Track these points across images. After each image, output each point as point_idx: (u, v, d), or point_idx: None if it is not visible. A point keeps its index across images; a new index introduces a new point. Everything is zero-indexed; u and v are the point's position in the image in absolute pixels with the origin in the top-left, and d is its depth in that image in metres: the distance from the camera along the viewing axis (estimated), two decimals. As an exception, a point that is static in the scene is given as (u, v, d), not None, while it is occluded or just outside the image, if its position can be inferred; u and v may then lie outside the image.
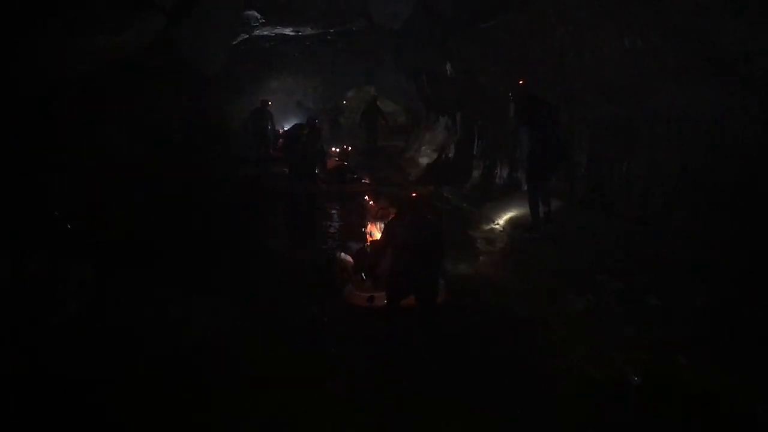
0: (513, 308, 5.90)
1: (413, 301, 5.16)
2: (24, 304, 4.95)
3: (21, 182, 5.62)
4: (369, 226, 6.75)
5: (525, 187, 8.41)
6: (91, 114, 6.95)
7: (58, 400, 4.10)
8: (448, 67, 11.71)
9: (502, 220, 8.59)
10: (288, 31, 12.42)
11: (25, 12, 4.84)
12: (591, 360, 4.77)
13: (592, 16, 6.90)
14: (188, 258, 6.59)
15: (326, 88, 19.88)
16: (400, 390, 4.51)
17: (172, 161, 8.14)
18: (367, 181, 11.63)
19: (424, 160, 14.13)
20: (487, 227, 8.62)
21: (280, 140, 13.47)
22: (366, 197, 7.15)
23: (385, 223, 5.49)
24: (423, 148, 14.81)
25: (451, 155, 12.80)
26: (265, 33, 12.32)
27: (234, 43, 11.26)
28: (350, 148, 14.60)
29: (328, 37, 13.19)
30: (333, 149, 14.05)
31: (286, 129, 13.55)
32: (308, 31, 12.45)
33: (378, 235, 6.00)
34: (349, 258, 6.45)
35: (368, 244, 6.35)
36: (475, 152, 11.51)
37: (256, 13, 10.50)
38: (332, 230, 9.08)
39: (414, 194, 5.42)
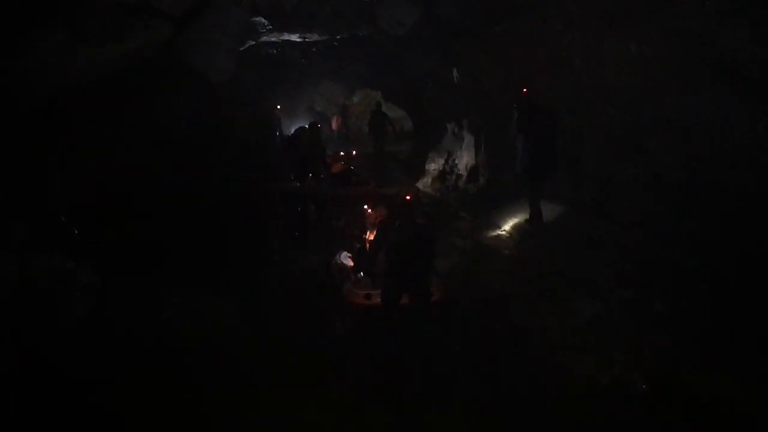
0: (518, 313, 5.90)
1: (408, 300, 5.39)
2: (29, 307, 4.98)
3: (27, 184, 5.66)
4: (368, 228, 6.89)
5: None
6: (98, 117, 6.99)
7: (59, 399, 4.13)
8: (455, 72, 11.72)
9: (508, 226, 8.58)
10: (294, 38, 12.47)
11: (34, 21, 4.91)
12: (596, 365, 4.77)
13: (598, 22, 6.92)
14: (193, 259, 6.68)
15: (332, 93, 19.99)
16: (400, 391, 4.55)
17: (177, 164, 8.22)
18: (372, 185, 11.69)
19: (430, 166, 14.14)
20: (493, 233, 8.62)
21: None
22: (366, 202, 7.26)
23: (377, 226, 5.78)
24: (429, 154, 14.82)
25: (457, 161, 12.80)
26: (272, 39, 12.37)
27: (241, 49, 11.32)
28: (355, 152, 14.75)
29: (335, 43, 13.23)
30: (339, 153, 14.17)
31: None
32: (314, 37, 12.49)
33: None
34: (348, 258, 6.72)
35: (366, 244, 6.54)
36: (481, 158, 11.51)
37: (263, 20, 10.55)
38: (334, 231, 9.25)
39: (405, 197, 5.61)
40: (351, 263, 6.58)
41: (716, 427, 3.98)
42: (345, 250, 6.99)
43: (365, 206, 7.17)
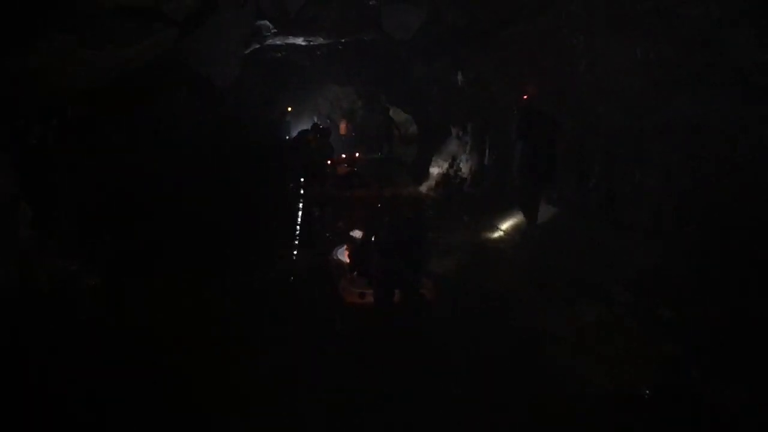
0: (522, 317, 5.88)
1: (400, 296, 5.65)
2: (34, 309, 4.99)
3: (32, 185, 5.68)
4: (364, 229, 7.09)
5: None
6: (103, 120, 7.02)
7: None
8: (460, 77, 11.72)
9: (510, 229, 8.56)
10: (299, 41, 12.48)
11: (38, 24, 4.92)
12: (601, 371, 4.73)
13: (603, 27, 6.90)
14: (195, 259, 6.79)
15: (338, 97, 20.05)
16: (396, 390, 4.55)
17: (182, 166, 8.31)
18: (374, 187, 11.83)
19: (434, 170, 14.15)
20: (494, 235, 8.62)
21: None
22: (368, 204, 7.49)
23: (368, 225, 6.17)
24: (434, 157, 14.82)
25: (462, 165, 12.80)
26: (277, 43, 12.39)
27: (246, 52, 11.35)
28: (358, 154, 15.04)
29: (339, 47, 13.24)
30: (341, 156, 14.37)
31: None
32: (319, 41, 12.50)
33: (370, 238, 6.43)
34: (345, 257, 6.98)
35: (361, 244, 6.76)
36: (486, 162, 11.50)
37: (267, 23, 10.57)
38: (334, 232, 9.51)
39: (395, 197, 5.77)
40: (347, 261, 6.79)
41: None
42: (342, 249, 7.27)
43: (366, 207, 7.33)
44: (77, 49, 5.38)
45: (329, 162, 11.30)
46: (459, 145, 13.48)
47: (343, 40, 12.64)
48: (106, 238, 6.31)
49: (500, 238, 8.48)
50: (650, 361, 4.74)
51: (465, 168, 12.49)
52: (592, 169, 7.87)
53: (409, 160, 16.78)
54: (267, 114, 15.35)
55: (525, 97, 7.91)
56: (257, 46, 11.64)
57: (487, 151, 11.51)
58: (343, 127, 19.59)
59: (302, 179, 10.40)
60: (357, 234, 7.31)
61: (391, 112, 17.21)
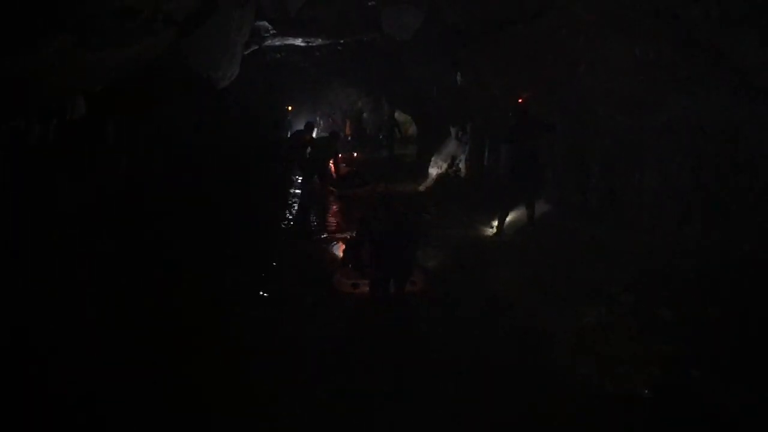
0: (522, 318, 5.88)
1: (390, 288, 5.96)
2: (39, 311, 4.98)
3: (33, 187, 5.68)
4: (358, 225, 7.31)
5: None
6: (103, 121, 7.03)
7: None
8: (459, 78, 11.73)
9: (509, 228, 8.56)
10: (298, 42, 12.50)
11: (39, 25, 4.91)
12: (602, 372, 4.73)
13: (603, 28, 6.91)
14: (195, 256, 6.90)
15: (337, 97, 20.07)
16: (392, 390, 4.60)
17: (184, 165, 8.41)
18: (374, 187, 11.94)
19: (434, 171, 14.17)
20: (493, 233, 8.63)
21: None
22: (366, 201, 7.72)
23: (362, 221, 6.37)
24: (433, 158, 14.83)
25: (461, 165, 12.81)
26: (276, 43, 12.41)
27: (246, 53, 11.36)
28: (357, 154, 15.52)
29: (339, 48, 13.27)
30: (341, 156, 14.60)
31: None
32: (319, 41, 12.53)
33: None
34: (339, 251, 7.35)
35: (354, 239, 7.03)
36: (485, 163, 11.50)
37: (267, 24, 10.59)
38: (331, 229, 9.92)
39: (389, 193, 6.01)
40: (341, 254, 7.17)
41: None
42: (338, 243, 7.73)
43: (363, 205, 7.56)
44: (77, 49, 5.38)
45: (330, 162, 11.53)
46: (458, 145, 13.49)
47: (342, 41, 12.66)
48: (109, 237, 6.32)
49: (497, 236, 8.53)
50: (650, 361, 4.74)
51: (464, 168, 12.50)
52: (593, 169, 7.88)
53: (408, 160, 16.84)
54: (268, 114, 15.44)
55: (519, 100, 8.09)
56: (257, 46, 11.65)
57: (486, 151, 11.52)
58: (347, 127, 19.69)
59: (302, 177, 10.69)
60: (351, 229, 7.64)
61: (397, 115, 17.56)
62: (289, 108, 15.59)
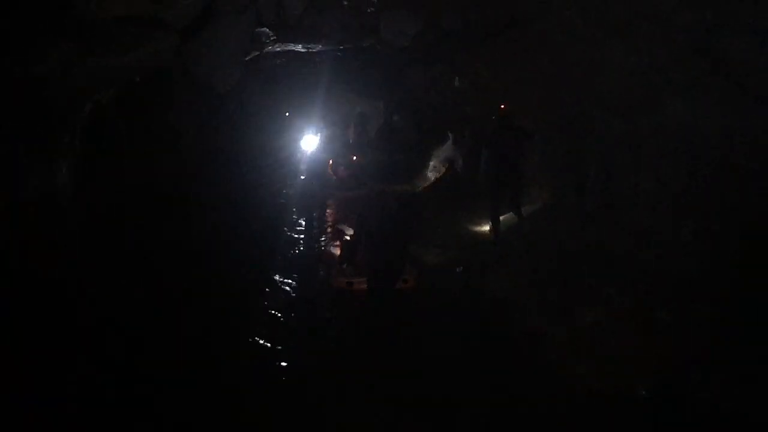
0: (518, 319, 5.92)
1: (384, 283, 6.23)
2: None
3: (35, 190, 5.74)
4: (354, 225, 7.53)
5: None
6: (105, 126, 7.10)
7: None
8: (457, 82, 11.80)
9: (507, 233, 8.61)
10: (299, 48, 12.55)
11: (42, 31, 4.98)
12: (599, 374, 4.77)
13: (599, 32, 6.96)
14: (196, 253, 7.34)
15: (337, 102, 20.10)
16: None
17: (185, 169, 8.57)
18: (374, 190, 12.09)
19: (432, 174, 14.27)
20: (494, 238, 8.68)
21: None
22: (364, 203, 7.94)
23: (357, 218, 6.67)
24: (431, 162, 14.91)
25: (459, 169, 12.87)
26: (277, 49, 12.45)
27: (246, 59, 11.42)
28: (355, 157, 15.90)
29: (338, 54, 13.31)
30: (340, 159, 14.85)
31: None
32: (319, 47, 12.56)
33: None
34: (336, 250, 7.65)
35: (349, 238, 7.37)
36: (481, 165, 11.56)
37: (267, 30, 10.63)
38: (328, 229, 10.49)
39: (380, 191, 6.82)
40: (338, 253, 7.44)
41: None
42: (335, 242, 8.04)
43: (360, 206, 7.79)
44: (79, 56, 5.45)
45: (329, 163, 11.82)
46: (456, 148, 13.57)
47: (342, 47, 12.71)
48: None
49: (493, 236, 8.64)
50: (647, 362, 4.77)
51: (461, 170, 12.58)
52: (589, 171, 7.94)
53: (407, 164, 16.95)
54: (268, 120, 15.61)
55: (503, 107, 8.47)
56: (257, 52, 11.71)
57: (482, 154, 11.56)
58: (349, 132, 19.79)
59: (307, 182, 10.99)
60: (347, 230, 7.87)
61: (395, 119, 17.76)
62: (287, 113, 15.83)
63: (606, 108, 7.42)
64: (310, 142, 11.92)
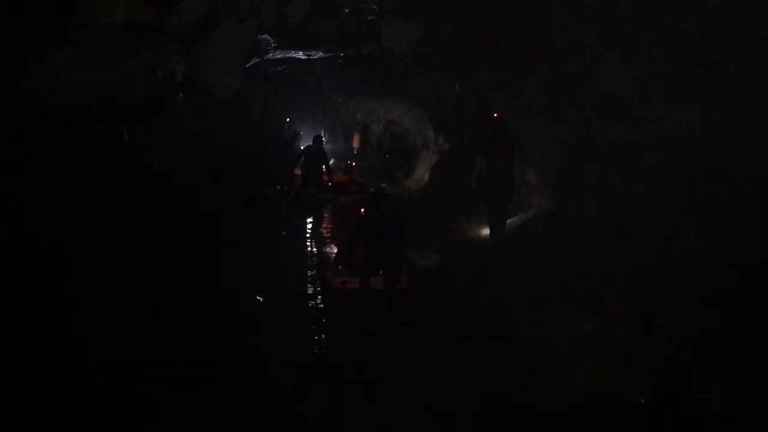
0: (517, 326, 5.92)
1: (380, 284, 6.39)
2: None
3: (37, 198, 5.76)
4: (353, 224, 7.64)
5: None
6: (106, 134, 7.12)
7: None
8: (457, 90, 11.84)
9: (511, 240, 8.62)
10: (300, 55, 12.63)
11: (43, 38, 5.01)
12: (597, 380, 4.77)
13: (598, 41, 7.00)
14: (196, 256, 7.36)
15: (338, 109, 20.21)
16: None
17: (187, 173, 8.68)
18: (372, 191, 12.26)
19: (433, 178, 14.31)
20: (493, 242, 8.72)
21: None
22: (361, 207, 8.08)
23: (357, 219, 6.80)
24: (431, 167, 14.94)
25: (458, 173, 12.90)
26: (278, 56, 12.52)
27: (247, 66, 11.47)
28: (353, 163, 16.05)
29: (338, 61, 13.38)
30: (336, 164, 15.11)
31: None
32: (319, 54, 12.64)
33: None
34: (333, 251, 7.93)
35: (346, 239, 7.42)
36: (482, 170, 11.59)
37: (268, 37, 10.69)
38: (326, 231, 10.78)
39: (377, 190, 6.93)
40: (334, 255, 7.64)
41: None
42: (331, 245, 8.39)
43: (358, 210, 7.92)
44: (80, 63, 5.47)
45: (324, 168, 11.99)
46: (456, 156, 13.59)
47: (342, 54, 12.78)
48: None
49: (493, 240, 8.69)
50: (646, 368, 4.78)
51: (461, 175, 12.62)
52: (588, 178, 7.96)
53: (407, 170, 17.03)
54: (268, 123, 15.80)
55: (495, 115, 8.69)
56: (258, 59, 11.77)
57: (483, 160, 11.60)
58: (356, 139, 19.91)
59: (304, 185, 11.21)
60: (344, 232, 8.11)
61: (392, 128, 18.02)
62: (288, 119, 16.02)
63: (606, 115, 7.45)
64: (309, 147, 12.13)
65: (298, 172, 12.85)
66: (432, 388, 4.72)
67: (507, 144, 8.47)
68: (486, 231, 9.02)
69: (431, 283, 7.38)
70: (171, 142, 8.51)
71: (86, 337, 4.83)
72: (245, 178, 11.41)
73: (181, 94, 8.57)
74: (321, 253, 9.06)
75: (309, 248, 9.54)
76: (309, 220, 11.42)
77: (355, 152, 19.54)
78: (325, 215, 12.00)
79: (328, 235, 10.46)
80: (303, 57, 12.85)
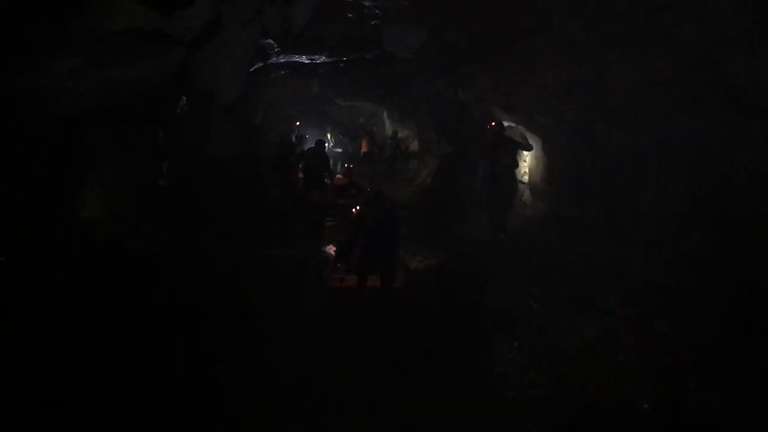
0: (520, 332, 5.92)
1: (377, 282, 6.41)
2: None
3: (40, 202, 5.79)
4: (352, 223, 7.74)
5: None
6: (111, 138, 7.15)
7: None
8: (460, 94, 11.86)
9: (513, 244, 8.63)
10: (303, 59, 12.65)
11: (47, 44, 5.05)
12: (600, 385, 4.76)
13: (600, 47, 7.02)
14: (196, 260, 7.39)
15: (341, 113, 20.26)
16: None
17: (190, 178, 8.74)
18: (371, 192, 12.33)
19: (433, 182, 14.35)
20: (495, 244, 8.74)
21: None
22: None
23: (354, 215, 6.85)
24: (434, 171, 14.96)
25: (459, 177, 12.93)
26: (281, 61, 12.55)
27: (251, 70, 11.51)
28: (352, 166, 16.26)
29: (341, 65, 13.40)
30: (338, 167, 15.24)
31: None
32: (323, 58, 12.66)
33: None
34: (332, 251, 7.97)
35: (345, 239, 7.55)
36: (484, 175, 11.62)
37: (272, 42, 10.72)
38: (326, 231, 10.79)
39: (375, 192, 7.00)
40: (333, 255, 7.80)
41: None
42: (330, 245, 8.34)
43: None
44: (85, 69, 5.50)
45: (326, 172, 12.09)
46: (458, 160, 13.61)
47: (345, 58, 12.80)
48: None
49: (493, 242, 8.74)
50: (648, 374, 4.77)
51: (463, 180, 12.65)
52: (591, 183, 7.97)
53: (409, 177, 17.06)
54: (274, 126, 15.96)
55: (493, 123, 8.99)
56: (261, 64, 11.80)
57: (486, 165, 11.62)
58: (364, 144, 19.99)
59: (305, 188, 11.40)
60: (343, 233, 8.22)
61: (400, 134, 18.30)
62: (297, 123, 16.19)
63: (608, 121, 7.46)
64: (310, 149, 12.20)
65: (300, 175, 12.90)
66: (432, 389, 4.72)
67: (509, 149, 8.67)
68: (487, 234, 9.03)
69: (431, 285, 7.40)
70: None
71: (86, 337, 4.84)
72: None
73: (184, 98, 8.60)
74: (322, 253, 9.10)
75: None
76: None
77: (362, 156, 19.64)
78: (328, 216, 12.07)
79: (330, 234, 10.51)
80: (306, 61, 12.87)
